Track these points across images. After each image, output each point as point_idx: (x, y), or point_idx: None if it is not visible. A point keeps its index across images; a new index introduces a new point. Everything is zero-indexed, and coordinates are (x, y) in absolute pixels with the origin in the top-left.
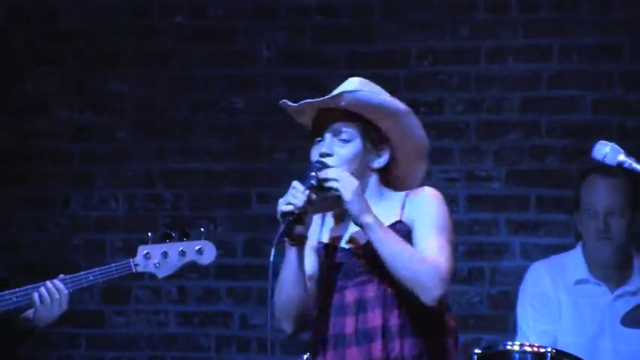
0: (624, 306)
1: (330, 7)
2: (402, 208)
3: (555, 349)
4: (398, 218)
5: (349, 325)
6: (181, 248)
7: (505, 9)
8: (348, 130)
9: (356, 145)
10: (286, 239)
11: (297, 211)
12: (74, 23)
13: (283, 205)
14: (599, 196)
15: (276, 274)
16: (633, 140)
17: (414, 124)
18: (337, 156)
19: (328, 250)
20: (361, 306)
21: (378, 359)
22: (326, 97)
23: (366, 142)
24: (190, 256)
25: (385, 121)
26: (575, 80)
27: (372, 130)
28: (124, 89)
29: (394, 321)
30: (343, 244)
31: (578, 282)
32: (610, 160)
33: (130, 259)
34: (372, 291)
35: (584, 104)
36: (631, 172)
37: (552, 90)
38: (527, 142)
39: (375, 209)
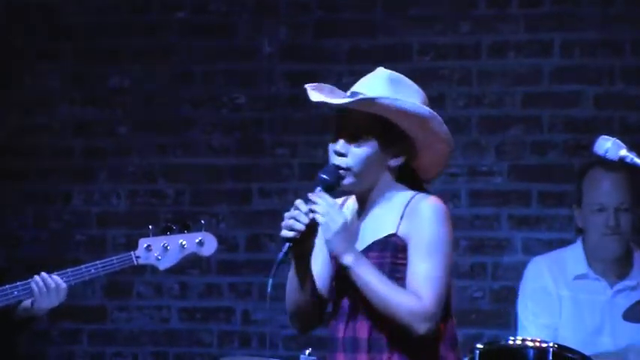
0: (624, 301)
1: (331, 3)
2: (401, 218)
3: (557, 344)
4: (393, 230)
5: (341, 330)
6: (182, 240)
7: (506, 4)
8: (364, 131)
9: (372, 145)
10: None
11: (298, 237)
12: (75, 19)
13: (285, 230)
14: (608, 191)
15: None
16: (635, 135)
17: (438, 128)
18: (352, 156)
19: None
20: (352, 313)
21: None
22: (341, 101)
23: (383, 142)
24: (191, 248)
25: (406, 123)
26: (577, 75)
27: (392, 131)
28: (125, 84)
29: (382, 333)
30: None
31: (578, 277)
32: (612, 155)
33: (132, 252)
34: (365, 300)
35: (585, 99)
36: (631, 166)
37: (554, 85)
38: (529, 137)
39: (376, 214)
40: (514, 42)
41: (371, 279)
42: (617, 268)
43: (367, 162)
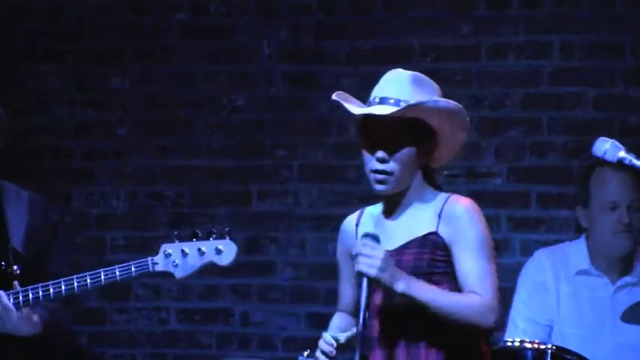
0: (626, 297)
1: (331, 4)
2: (439, 217)
3: (555, 346)
4: (433, 229)
5: (376, 328)
6: (201, 247)
7: (506, 5)
8: (403, 135)
9: (411, 148)
10: None
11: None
12: (75, 20)
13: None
14: (619, 189)
15: None
16: (634, 137)
17: (464, 119)
18: (394, 161)
19: None
20: (387, 310)
21: None
22: (390, 111)
23: (419, 143)
24: (209, 257)
25: (438, 120)
26: (577, 77)
27: (424, 130)
28: (125, 86)
29: (417, 327)
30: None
31: (580, 272)
32: (610, 157)
33: (149, 258)
34: (397, 296)
35: (585, 101)
36: (630, 167)
37: (553, 87)
38: (529, 138)
39: (411, 213)
40: (514, 43)
41: (431, 294)
42: (620, 266)
43: (408, 165)
